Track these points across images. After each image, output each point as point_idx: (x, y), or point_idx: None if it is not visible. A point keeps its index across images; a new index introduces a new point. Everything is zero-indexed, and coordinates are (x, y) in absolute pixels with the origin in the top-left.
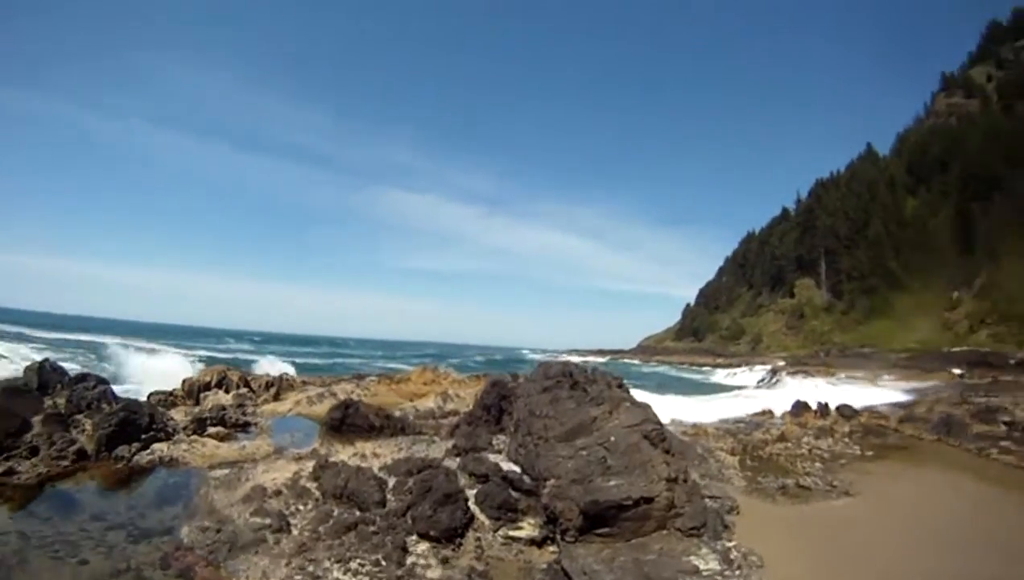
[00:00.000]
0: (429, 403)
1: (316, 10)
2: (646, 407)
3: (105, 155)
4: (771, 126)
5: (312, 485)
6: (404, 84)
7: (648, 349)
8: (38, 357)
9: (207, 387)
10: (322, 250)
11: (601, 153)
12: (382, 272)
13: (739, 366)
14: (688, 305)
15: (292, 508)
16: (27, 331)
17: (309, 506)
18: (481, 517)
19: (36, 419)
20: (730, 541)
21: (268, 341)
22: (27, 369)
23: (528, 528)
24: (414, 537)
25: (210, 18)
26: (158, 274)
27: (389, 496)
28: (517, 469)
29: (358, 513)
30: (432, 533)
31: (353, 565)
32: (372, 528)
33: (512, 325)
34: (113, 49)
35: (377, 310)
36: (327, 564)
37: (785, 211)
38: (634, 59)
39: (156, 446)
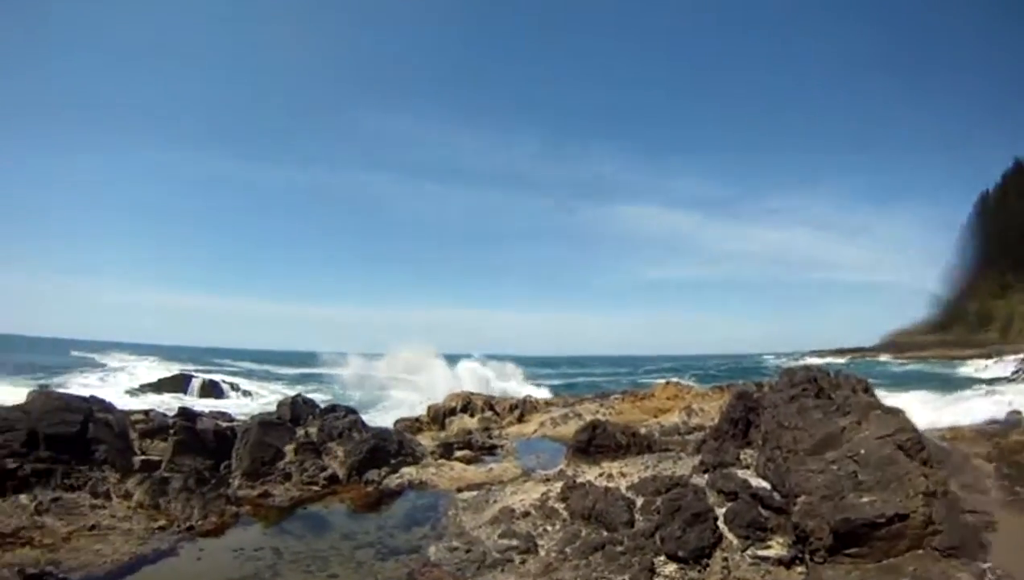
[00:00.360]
0: (674, 418)
1: (507, 43)
2: (899, 413)
3: (333, 203)
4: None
5: (560, 506)
6: (607, 96)
7: (889, 344)
8: (289, 392)
9: (452, 412)
10: (546, 273)
11: (818, 133)
12: (612, 290)
13: (989, 357)
14: (928, 291)
15: (540, 529)
16: (273, 369)
17: (557, 527)
18: (729, 536)
19: (289, 448)
20: (986, 562)
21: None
22: (280, 403)
23: (777, 547)
24: (662, 558)
25: (417, 71)
26: (380, 312)
27: (637, 516)
28: (766, 485)
29: (606, 533)
30: (680, 554)
31: None
32: (620, 548)
33: (750, 330)
34: (335, 108)
35: (612, 326)
36: None
37: (1017, 163)
38: (838, 33)
39: (405, 470)
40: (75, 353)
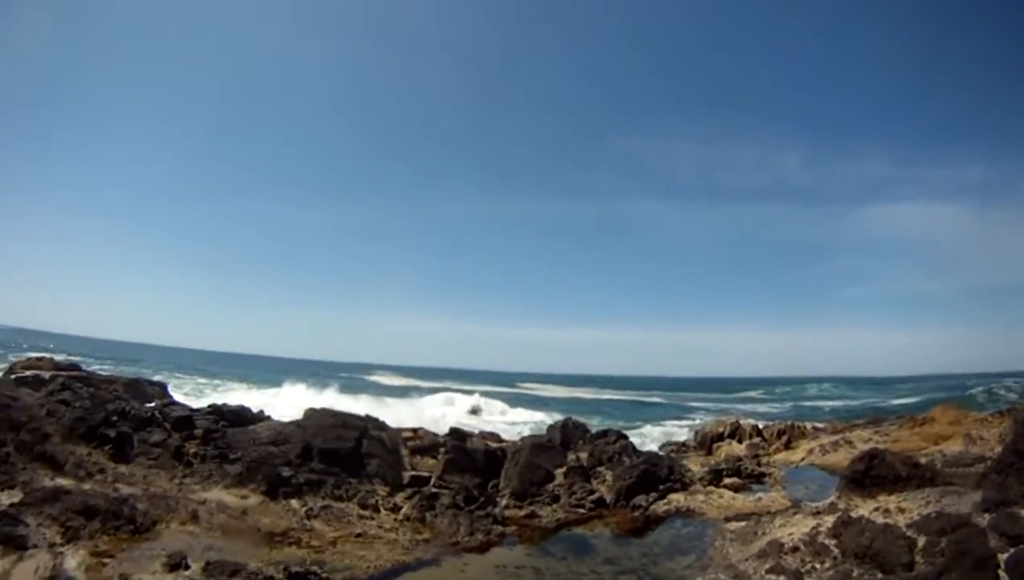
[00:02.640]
0: (956, 447)
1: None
2: None
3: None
4: None
5: (831, 542)
6: (866, 94)
7: None
8: (559, 416)
9: (720, 437)
10: (793, 288)
11: None
12: (862, 302)
13: None
14: None
15: (808, 566)
16: (541, 389)
17: (827, 565)
18: None
19: (559, 471)
20: None
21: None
22: (550, 427)
23: None
24: None
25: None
26: (626, 334)
27: (918, 558)
28: None
29: (880, 575)
30: None
31: None
32: None
33: None
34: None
35: (857, 343)
36: None
37: None
38: None
39: (672, 496)
40: (343, 374)
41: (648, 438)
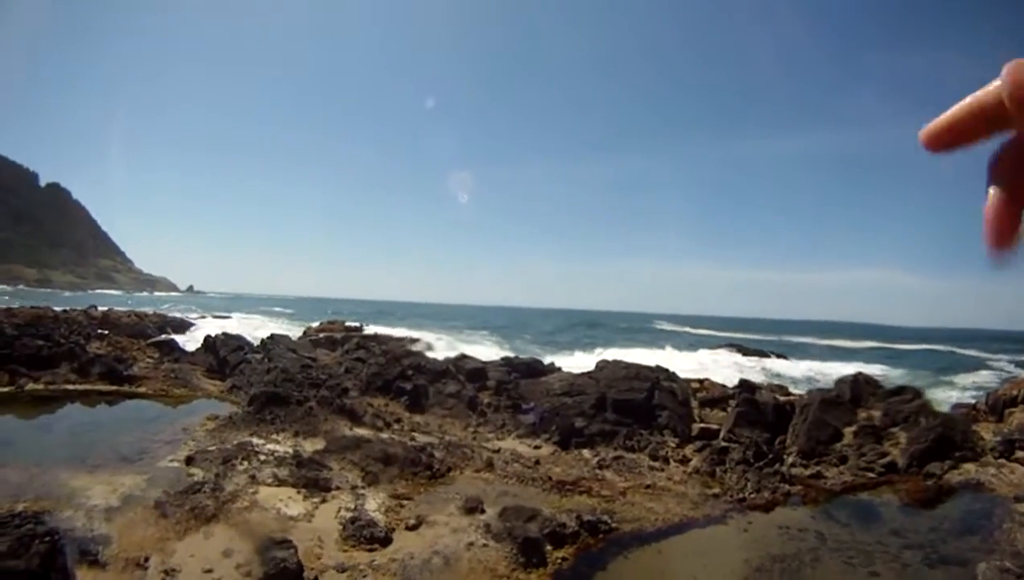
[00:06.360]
0: None
1: None
2: None
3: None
4: None
5: None
6: None
7: None
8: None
9: (1012, 402)
10: None
11: None
12: None
13: None
14: None
15: None
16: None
17: None
18: None
19: (848, 430)
20: None
21: None
22: (839, 381)
23: None
24: None
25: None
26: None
27: None
28: None
29: None
30: None
31: None
32: None
33: None
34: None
35: None
36: None
37: None
38: None
39: (966, 466)
40: (624, 324)
41: (933, 397)
